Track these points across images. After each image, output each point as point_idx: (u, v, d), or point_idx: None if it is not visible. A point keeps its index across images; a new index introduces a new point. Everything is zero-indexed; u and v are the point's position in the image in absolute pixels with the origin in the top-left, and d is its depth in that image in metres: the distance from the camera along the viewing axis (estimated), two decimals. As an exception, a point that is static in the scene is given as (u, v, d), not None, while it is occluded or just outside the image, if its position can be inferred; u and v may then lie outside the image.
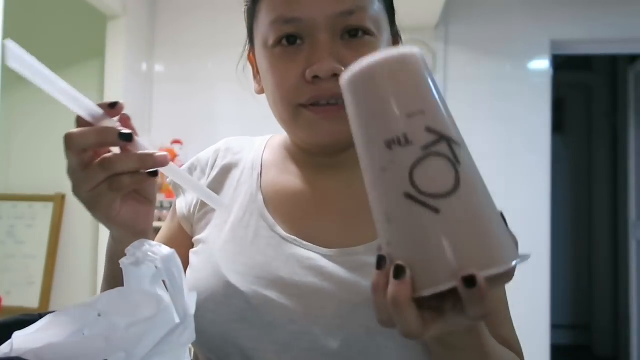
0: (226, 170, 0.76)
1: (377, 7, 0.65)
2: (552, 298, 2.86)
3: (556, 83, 3.08)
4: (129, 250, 0.43)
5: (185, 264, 0.71)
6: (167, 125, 3.05)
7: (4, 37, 1.99)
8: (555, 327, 3.05)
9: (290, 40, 0.64)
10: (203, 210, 0.74)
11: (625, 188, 3.86)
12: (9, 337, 0.37)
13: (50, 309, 2.78)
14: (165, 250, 0.41)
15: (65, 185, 2.98)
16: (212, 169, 0.77)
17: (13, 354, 0.36)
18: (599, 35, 2.95)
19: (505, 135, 2.91)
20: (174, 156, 2.82)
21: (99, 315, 0.37)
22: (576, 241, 4.63)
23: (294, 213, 0.70)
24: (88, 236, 2.88)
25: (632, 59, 3.71)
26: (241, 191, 0.73)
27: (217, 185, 0.75)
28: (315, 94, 0.63)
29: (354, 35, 0.63)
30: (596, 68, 4.60)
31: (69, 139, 0.51)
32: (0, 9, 1.94)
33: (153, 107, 3.09)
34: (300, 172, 0.73)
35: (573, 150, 4.67)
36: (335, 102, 0.63)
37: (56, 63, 3.06)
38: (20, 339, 0.36)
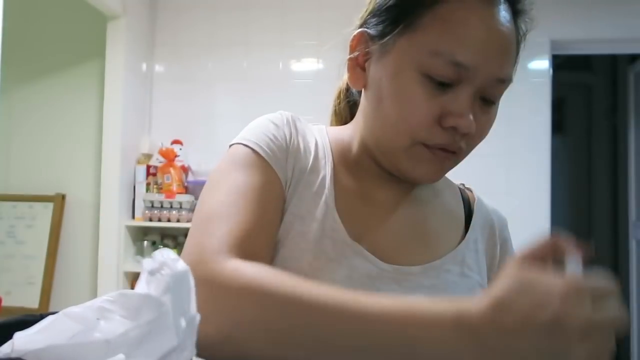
0: (298, 149, 0.69)
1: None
2: (552, 298, 2.86)
3: (556, 83, 3.08)
4: (153, 255, 0.42)
5: (277, 219, 0.64)
6: (167, 125, 3.05)
7: (4, 37, 1.99)
8: (555, 327, 3.05)
9: (441, 82, 0.60)
10: (290, 180, 0.67)
11: (625, 188, 3.87)
12: (10, 337, 0.37)
13: (51, 309, 2.78)
14: (180, 266, 0.40)
15: (65, 185, 3.00)
16: (290, 138, 0.69)
17: (14, 355, 0.36)
18: (599, 35, 2.95)
19: (505, 135, 2.91)
20: (174, 156, 2.82)
21: (100, 317, 0.37)
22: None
23: (359, 218, 0.68)
24: (88, 236, 2.88)
25: (632, 59, 3.71)
26: (315, 179, 0.68)
27: (295, 161, 0.68)
28: (445, 142, 0.62)
29: (487, 102, 0.63)
30: (596, 68, 4.60)
31: None
32: (0, 9, 1.94)
33: (153, 107, 3.09)
34: (366, 178, 0.71)
35: (573, 150, 4.67)
36: (452, 152, 0.64)
37: (56, 63, 3.10)
38: (21, 340, 0.36)
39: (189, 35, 3.09)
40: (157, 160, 2.88)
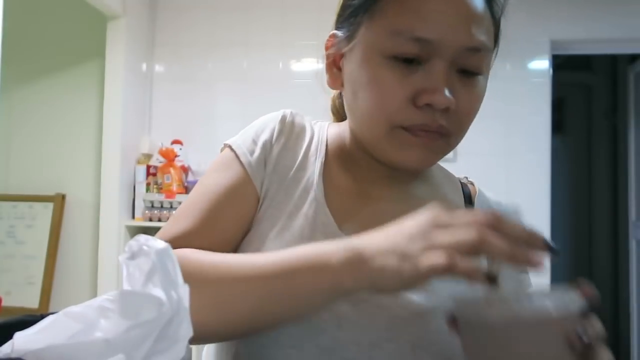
0: (289, 146, 0.71)
1: (493, 47, 0.64)
2: (552, 298, 2.86)
3: (556, 83, 3.08)
4: (128, 245, 0.43)
5: (248, 224, 0.67)
6: (167, 125, 3.05)
7: (4, 37, 1.99)
8: (555, 327, 3.05)
9: (408, 58, 0.59)
10: (269, 182, 0.69)
11: (625, 188, 3.87)
12: (10, 337, 0.37)
13: (50, 309, 2.78)
14: (160, 244, 0.42)
15: (65, 185, 2.99)
16: (278, 138, 0.71)
17: (14, 355, 0.36)
18: (599, 35, 2.95)
19: (505, 135, 2.91)
20: (174, 156, 2.82)
21: (100, 317, 0.37)
22: (576, 241, 4.63)
23: (352, 213, 0.67)
24: (88, 236, 2.88)
25: (632, 59, 3.71)
26: (303, 176, 0.69)
27: (280, 157, 0.70)
28: (423, 122, 0.60)
29: (468, 73, 0.61)
30: (596, 68, 4.60)
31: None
32: (0, 9, 1.94)
33: (153, 107, 3.09)
34: (362, 173, 0.71)
35: (573, 150, 4.67)
36: (435, 132, 0.61)
37: (56, 63, 3.09)
38: (21, 340, 0.36)
39: (189, 35, 3.09)
40: (157, 160, 2.88)
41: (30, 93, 3.02)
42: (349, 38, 0.65)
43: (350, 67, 0.65)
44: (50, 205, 2.88)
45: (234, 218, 0.66)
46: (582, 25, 2.93)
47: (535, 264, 0.44)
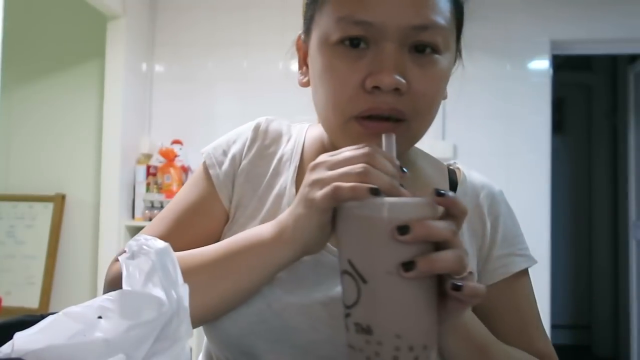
0: (263, 155, 0.73)
1: (450, 25, 0.62)
2: (552, 298, 2.87)
3: (556, 83, 3.09)
4: (127, 245, 0.43)
5: (215, 237, 0.69)
6: (167, 125, 3.05)
7: (4, 37, 1.99)
8: (555, 327, 3.05)
9: (354, 42, 0.59)
10: (240, 194, 0.71)
11: (625, 188, 3.87)
12: (10, 337, 0.37)
13: (50, 309, 2.79)
14: (160, 243, 0.42)
15: (65, 185, 2.99)
16: (250, 149, 0.73)
17: (14, 355, 0.36)
18: (599, 35, 2.95)
19: (505, 135, 2.91)
20: (174, 156, 2.82)
21: (100, 317, 0.37)
22: (576, 241, 4.63)
23: None
24: (88, 236, 2.88)
25: (632, 59, 3.71)
26: (277, 182, 0.70)
27: (251, 167, 0.71)
28: (372, 105, 0.59)
29: (422, 51, 0.60)
30: (596, 68, 4.60)
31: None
32: (0, 9, 1.94)
33: (153, 107, 3.09)
34: None
35: (573, 150, 4.67)
36: (388, 117, 0.59)
37: (56, 63, 3.09)
38: (22, 340, 0.36)
39: (189, 36, 3.08)
40: (157, 160, 2.88)
41: (30, 93, 3.02)
42: (307, 33, 0.67)
43: (311, 62, 0.66)
44: (50, 205, 2.88)
45: (201, 233, 0.69)
46: (582, 25, 2.93)
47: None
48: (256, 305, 0.61)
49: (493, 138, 2.91)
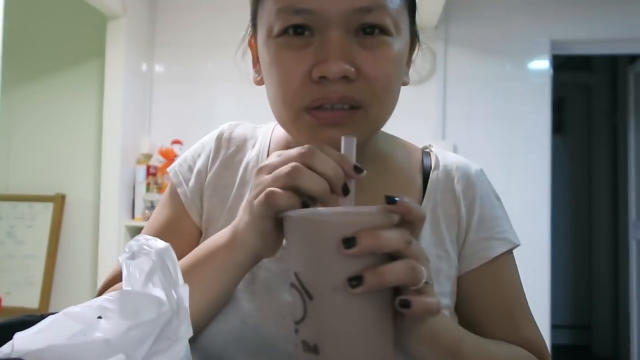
0: (228, 165, 0.71)
1: (398, 5, 0.59)
2: (552, 298, 2.86)
3: (556, 83, 3.09)
4: (127, 245, 0.43)
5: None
6: (167, 125, 3.05)
7: (4, 37, 1.99)
8: (555, 327, 3.05)
9: (297, 30, 0.57)
10: (209, 208, 0.70)
11: (625, 188, 3.87)
12: (10, 337, 0.37)
13: (50, 309, 2.78)
14: (161, 243, 0.42)
15: (65, 185, 2.99)
16: (214, 161, 0.72)
17: (14, 355, 0.36)
18: (599, 35, 2.95)
19: (505, 135, 2.91)
20: (174, 156, 2.82)
21: (100, 317, 0.37)
22: (576, 241, 4.63)
23: None
24: (88, 236, 2.88)
25: (632, 59, 3.71)
26: (245, 191, 0.68)
27: (217, 180, 0.70)
28: (321, 95, 0.57)
29: (370, 33, 0.57)
30: (596, 68, 4.60)
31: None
32: (0, 9, 1.94)
33: (153, 107, 3.09)
34: None
35: (573, 150, 4.67)
36: (341, 107, 0.57)
37: (56, 63, 3.09)
38: (22, 340, 0.36)
39: (189, 36, 3.09)
40: (157, 160, 2.88)
41: (30, 93, 3.02)
42: (254, 30, 0.66)
43: (260, 58, 0.64)
44: (50, 205, 2.88)
45: (176, 253, 0.68)
46: (582, 26, 2.93)
47: (341, 194, 0.47)
48: (231, 322, 0.61)
49: (493, 138, 2.91)
